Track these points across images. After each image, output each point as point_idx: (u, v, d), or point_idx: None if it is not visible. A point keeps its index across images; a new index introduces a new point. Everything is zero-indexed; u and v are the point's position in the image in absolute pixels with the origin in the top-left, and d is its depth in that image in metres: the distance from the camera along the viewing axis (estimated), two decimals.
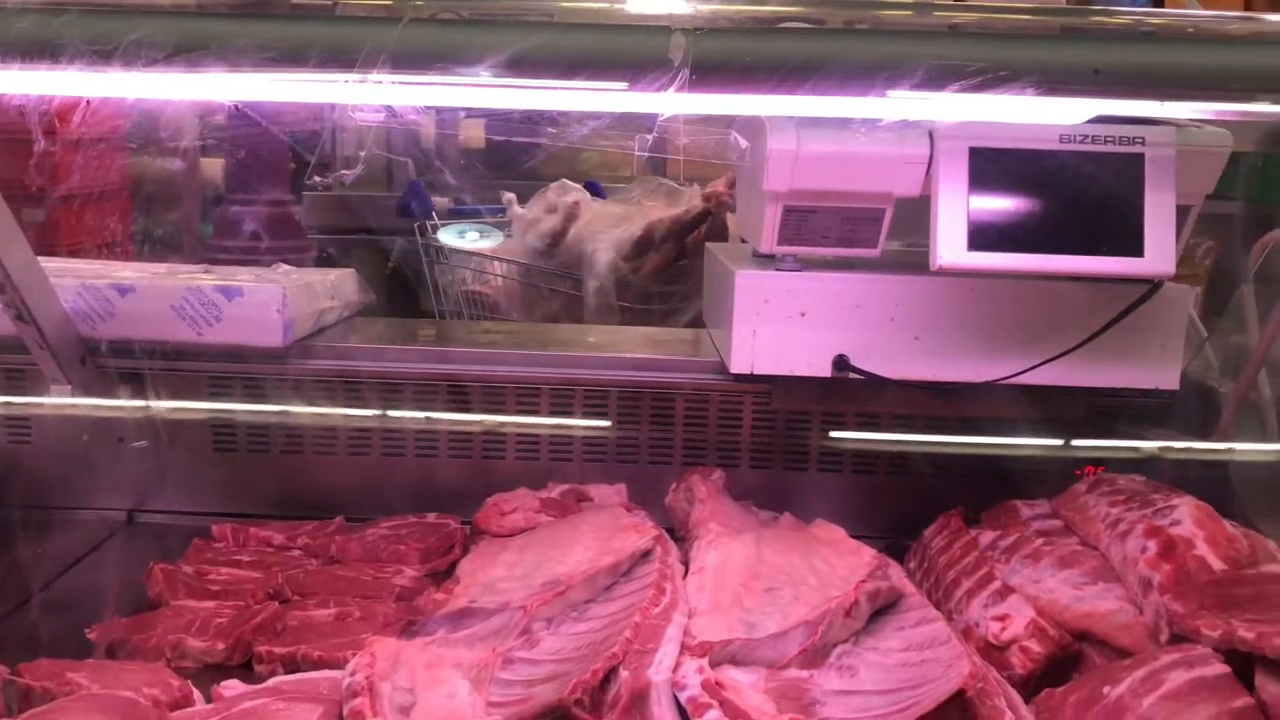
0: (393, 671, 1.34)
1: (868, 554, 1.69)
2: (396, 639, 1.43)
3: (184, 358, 2.01)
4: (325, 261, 3.36)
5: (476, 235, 3.09)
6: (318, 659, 1.56)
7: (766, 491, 2.07)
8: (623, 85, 1.07)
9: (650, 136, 1.25)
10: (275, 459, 2.13)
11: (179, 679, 1.42)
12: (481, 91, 1.05)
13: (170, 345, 1.97)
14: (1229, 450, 1.88)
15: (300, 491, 2.12)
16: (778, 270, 1.88)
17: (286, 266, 2.24)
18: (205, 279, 2.00)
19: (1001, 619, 1.54)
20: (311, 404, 2.07)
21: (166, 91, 1.14)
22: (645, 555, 1.71)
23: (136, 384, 2.04)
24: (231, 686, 1.42)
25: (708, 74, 1.09)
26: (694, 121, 1.69)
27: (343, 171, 1.81)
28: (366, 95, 1.05)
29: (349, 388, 2.09)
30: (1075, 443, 2.00)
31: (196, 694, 1.42)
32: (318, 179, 2.04)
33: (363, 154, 1.80)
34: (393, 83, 1.03)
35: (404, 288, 3.12)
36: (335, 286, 2.18)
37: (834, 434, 2.10)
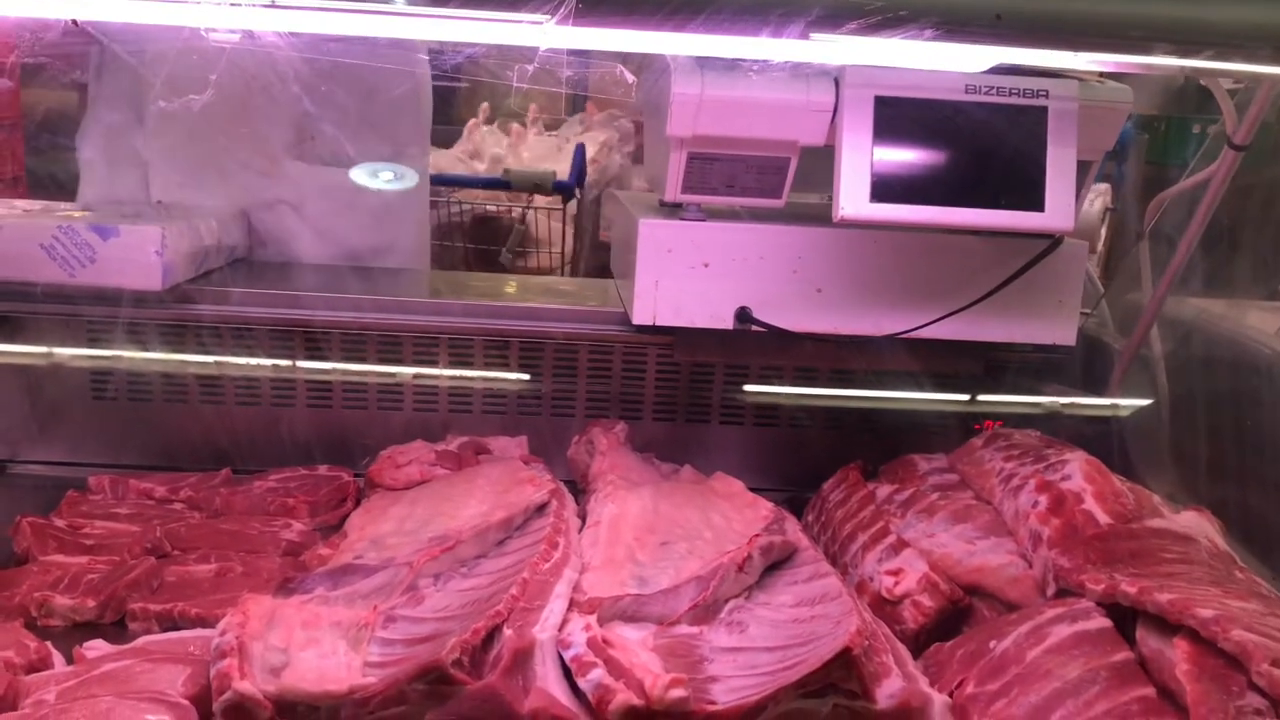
0: (266, 631, 1.28)
1: (765, 507, 1.67)
2: (272, 597, 1.37)
3: (57, 301, 1.89)
4: None
5: (390, 175, 2.97)
6: (195, 616, 1.50)
7: (670, 443, 2.05)
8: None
9: (530, 68, 1.18)
10: (158, 408, 2.03)
11: (36, 640, 1.34)
12: (352, 18, 0.98)
13: (41, 287, 1.85)
14: (1120, 405, 1.90)
15: (185, 443, 2.03)
16: (682, 220, 1.83)
17: (169, 205, 2.12)
18: (79, 217, 1.88)
19: (895, 573, 1.53)
20: (195, 351, 1.97)
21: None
22: (541, 509, 1.66)
23: (5, 327, 1.93)
24: (95, 647, 1.34)
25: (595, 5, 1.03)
26: (603, 56, 1.62)
27: (190, 96, 1.69)
28: (227, 18, 0.97)
29: (236, 334, 1.99)
30: (974, 397, 2.01)
31: (57, 655, 1.35)
32: (162, 103, 1.92)
33: (213, 77, 1.68)
34: (260, 6, 0.95)
35: None
36: (221, 228, 2.08)
37: (737, 386, 2.08)
